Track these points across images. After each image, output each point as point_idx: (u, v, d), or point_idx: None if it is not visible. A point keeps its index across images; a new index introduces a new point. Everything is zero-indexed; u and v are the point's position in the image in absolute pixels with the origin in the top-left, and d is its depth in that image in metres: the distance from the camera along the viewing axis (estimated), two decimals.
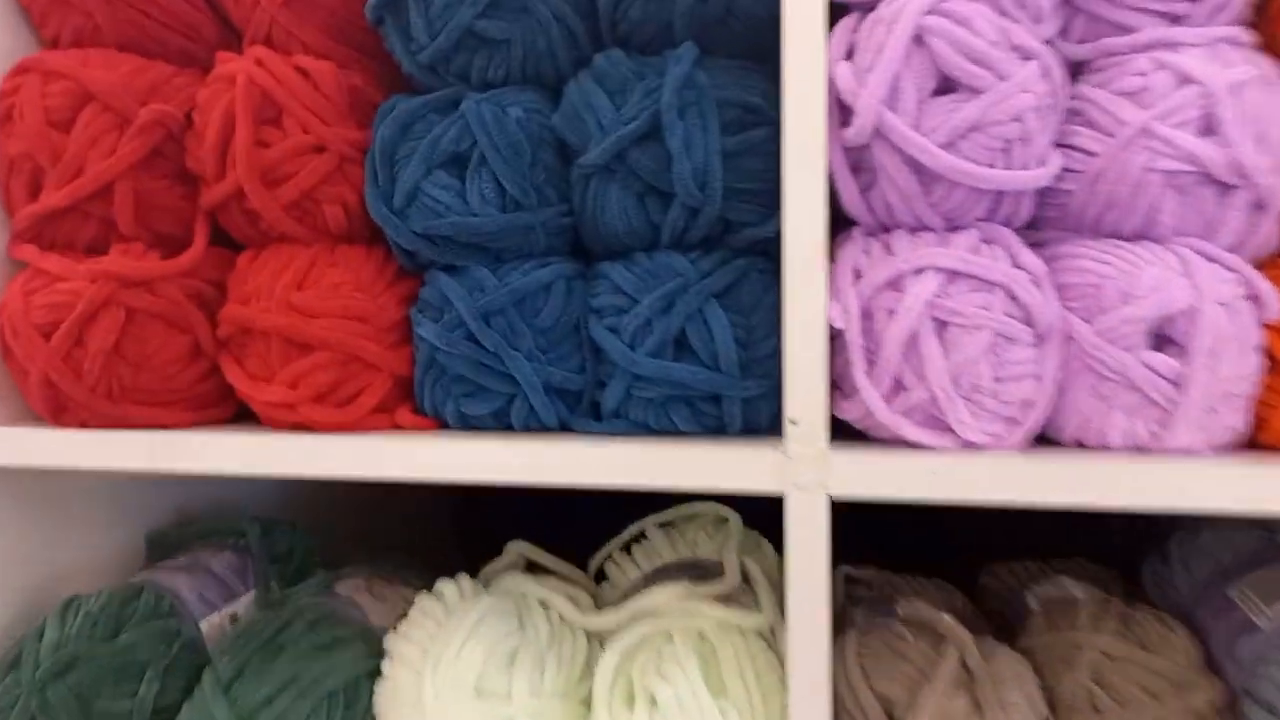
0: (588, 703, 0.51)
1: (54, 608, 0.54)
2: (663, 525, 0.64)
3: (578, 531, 0.67)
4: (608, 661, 0.50)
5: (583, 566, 0.65)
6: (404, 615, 0.60)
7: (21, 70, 0.52)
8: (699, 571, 0.57)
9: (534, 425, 0.51)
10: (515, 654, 0.52)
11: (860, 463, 0.44)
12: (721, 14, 0.48)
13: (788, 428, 0.44)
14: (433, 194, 0.50)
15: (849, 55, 0.45)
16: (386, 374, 0.52)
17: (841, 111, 0.44)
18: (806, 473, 0.44)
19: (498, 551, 0.65)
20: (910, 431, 0.44)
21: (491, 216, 0.49)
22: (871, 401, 0.44)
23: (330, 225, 0.52)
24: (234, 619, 0.60)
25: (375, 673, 0.53)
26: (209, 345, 0.53)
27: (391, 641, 0.54)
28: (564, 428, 0.51)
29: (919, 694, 0.47)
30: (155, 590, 0.57)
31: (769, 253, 0.50)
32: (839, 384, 0.46)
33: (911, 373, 0.44)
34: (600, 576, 0.65)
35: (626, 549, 0.64)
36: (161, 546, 0.66)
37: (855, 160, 0.46)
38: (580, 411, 0.51)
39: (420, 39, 0.50)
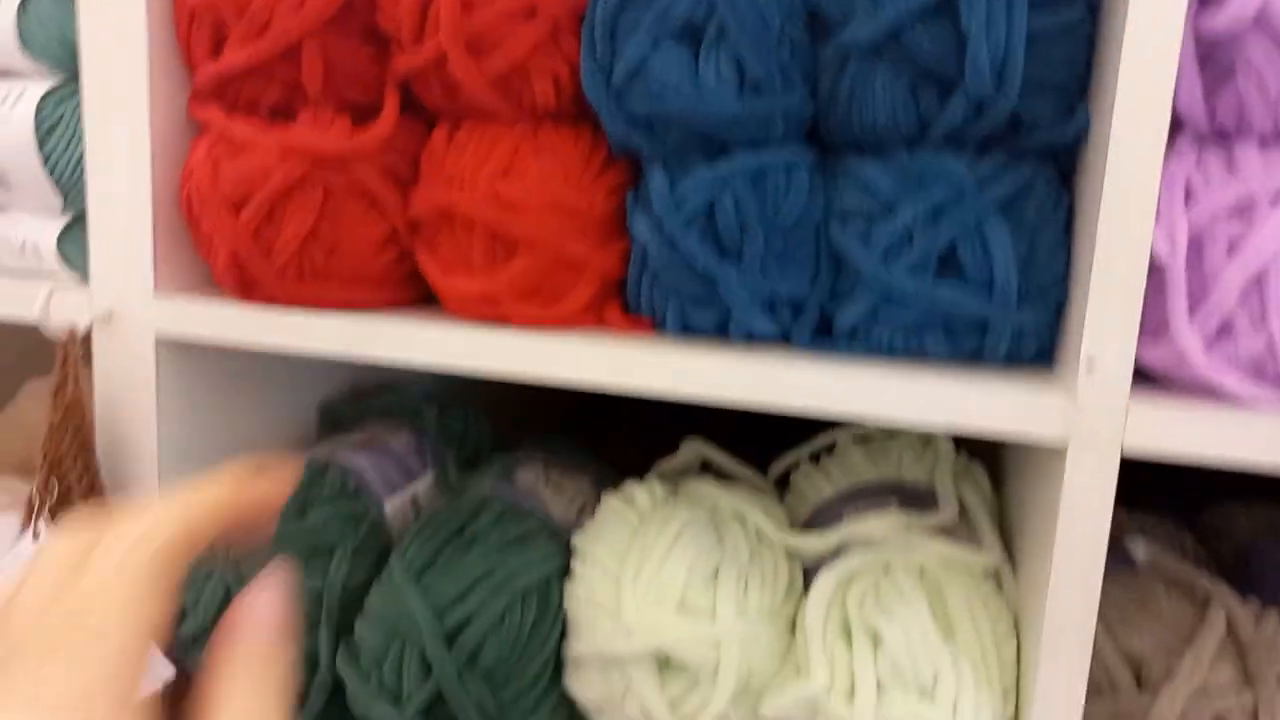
0: (791, 627, 0.49)
1: None
2: (858, 440, 0.60)
3: (732, 437, 0.63)
4: (821, 590, 0.47)
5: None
6: (583, 508, 0.58)
7: None
8: (906, 497, 0.53)
9: (753, 339, 0.46)
10: (718, 570, 0.49)
11: (1167, 417, 0.38)
12: None
13: (1083, 369, 0.38)
14: (660, 70, 0.43)
15: None
16: (594, 273, 0.47)
17: None
18: (1100, 423, 0.38)
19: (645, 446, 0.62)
20: (1233, 384, 0.37)
21: (727, 100, 0.42)
22: (1189, 347, 0.37)
23: (538, 102, 0.46)
24: (415, 501, 0.59)
25: (564, 571, 0.51)
26: (403, 229, 0.49)
27: (583, 542, 0.52)
28: (787, 341, 0.46)
29: (1177, 660, 0.43)
30: (341, 468, 0.55)
31: (1057, 158, 0.43)
32: (1142, 324, 0.40)
33: (1248, 317, 0.37)
34: (781, 486, 0.61)
35: (813, 459, 0.60)
36: (334, 420, 0.65)
37: (1206, 50, 0.37)
38: (804, 326, 0.45)
39: None
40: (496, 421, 0.70)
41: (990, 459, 0.57)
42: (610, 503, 0.54)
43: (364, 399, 0.66)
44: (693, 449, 0.62)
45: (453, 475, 0.61)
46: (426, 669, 0.46)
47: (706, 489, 0.55)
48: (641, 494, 0.54)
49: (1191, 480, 0.67)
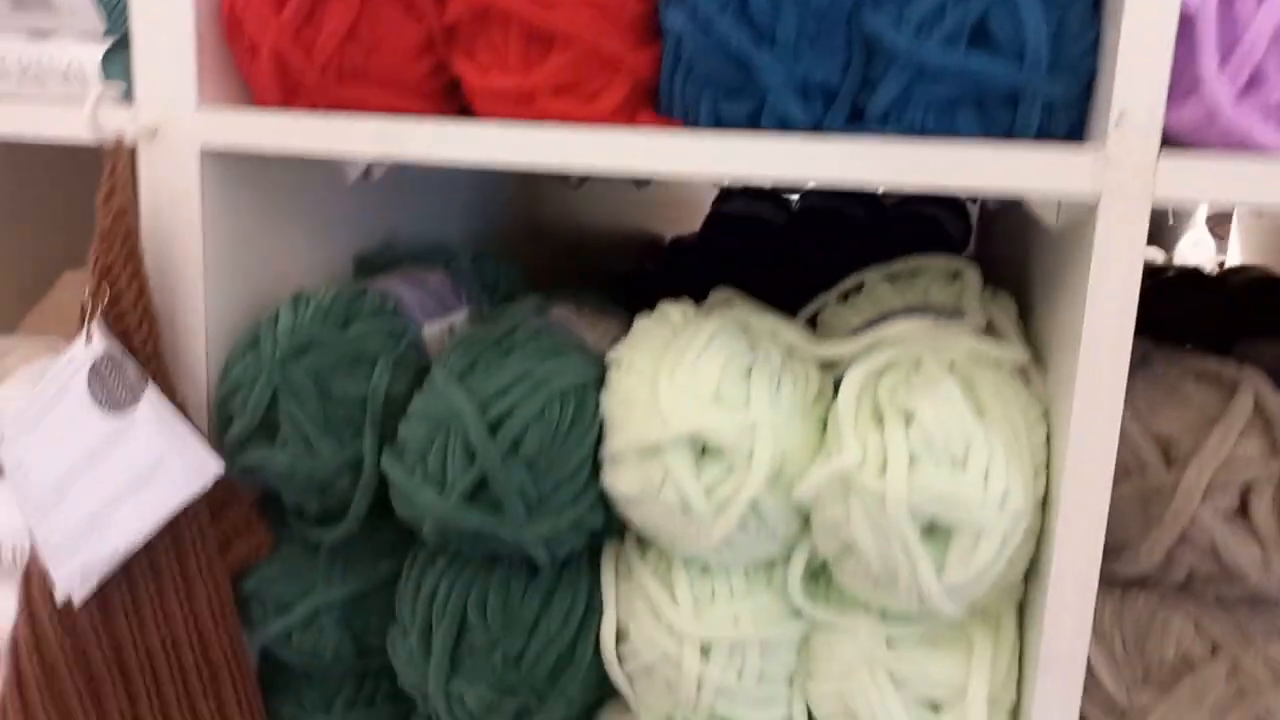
0: (822, 428, 0.50)
1: (283, 300, 0.55)
2: (886, 277, 0.60)
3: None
4: (853, 379, 0.48)
5: None
6: (614, 341, 0.59)
7: None
8: (935, 314, 0.53)
9: (786, 128, 0.47)
10: (751, 370, 0.50)
11: (1196, 166, 0.38)
12: None
13: (1113, 122, 0.39)
14: None
15: None
16: (627, 73, 0.48)
17: None
18: (1131, 175, 0.39)
19: None
20: (1262, 132, 0.38)
21: None
22: (1219, 99, 0.38)
23: None
24: (451, 331, 0.60)
25: (600, 382, 0.52)
26: (440, 36, 0.50)
27: (619, 352, 0.53)
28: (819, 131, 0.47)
29: (1205, 436, 0.44)
30: (380, 292, 0.57)
31: None
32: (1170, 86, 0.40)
33: (1279, 65, 0.37)
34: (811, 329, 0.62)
35: (842, 300, 0.61)
36: (370, 268, 0.66)
37: None
38: (836, 115, 0.46)
39: None
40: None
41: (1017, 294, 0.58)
42: (644, 320, 0.55)
43: (397, 248, 0.67)
44: (722, 295, 0.63)
45: (487, 311, 0.62)
46: (470, 456, 0.48)
47: (739, 312, 0.56)
48: (675, 311, 0.55)
49: (1221, 322, 0.68)
